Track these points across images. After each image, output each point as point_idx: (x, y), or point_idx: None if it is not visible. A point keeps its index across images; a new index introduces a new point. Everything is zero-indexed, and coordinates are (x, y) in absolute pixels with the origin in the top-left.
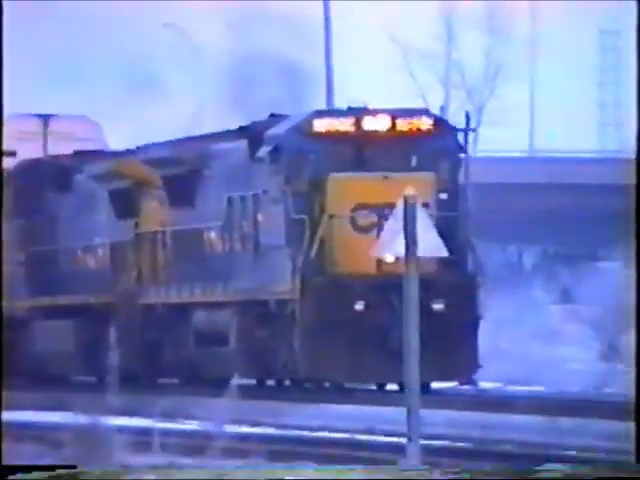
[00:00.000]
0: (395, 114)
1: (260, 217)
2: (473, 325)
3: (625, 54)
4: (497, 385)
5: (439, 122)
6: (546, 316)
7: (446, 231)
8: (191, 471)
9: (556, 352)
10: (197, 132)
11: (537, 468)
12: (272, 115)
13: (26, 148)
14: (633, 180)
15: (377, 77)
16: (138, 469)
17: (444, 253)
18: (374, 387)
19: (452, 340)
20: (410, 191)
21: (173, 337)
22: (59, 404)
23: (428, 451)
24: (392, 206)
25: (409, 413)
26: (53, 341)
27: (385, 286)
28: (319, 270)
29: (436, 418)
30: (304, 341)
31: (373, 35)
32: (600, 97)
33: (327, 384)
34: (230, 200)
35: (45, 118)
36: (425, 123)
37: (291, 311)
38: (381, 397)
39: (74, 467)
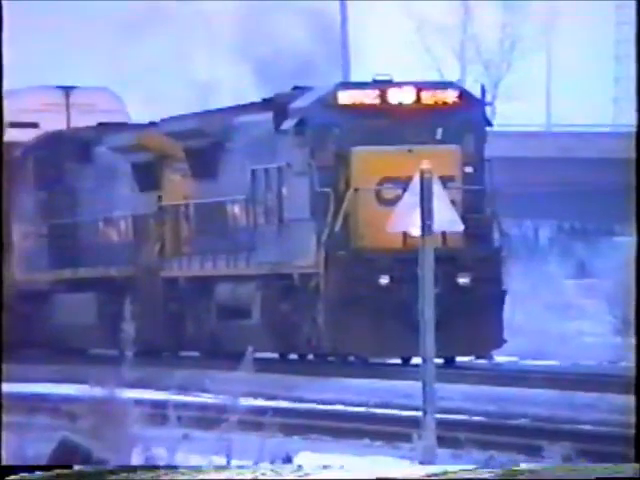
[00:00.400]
0: (421, 86)
1: (284, 190)
2: (499, 299)
3: None
4: (512, 359)
5: (465, 95)
6: (561, 290)
7: (472, 205)
8: (194, 471)
9: (571, 326)
10: (213, 97)
11: (537, 467)
12: (296, 87)
13: (48, 120)
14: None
15: (392, 51)
16: (141, 469)
17: (460, 227)
18: (398, 361)
19: (478, 314)
20: (434, 164)
21: (195, 310)
22: (77, 376)
23: (444, 424)
24: None
25: (424, 386)
26: (74, 313)
27: (410, 260)
28: (344, 244)
29: (451, 392)
30: (328, 315)
31: (389, 9)
32: (616, 71)
33: (351, 358)
34: (254, 173)
35: (67, 90)
36: (451, 96)
37: (315, 285)
38: (406, 371)
39: (71, 467)
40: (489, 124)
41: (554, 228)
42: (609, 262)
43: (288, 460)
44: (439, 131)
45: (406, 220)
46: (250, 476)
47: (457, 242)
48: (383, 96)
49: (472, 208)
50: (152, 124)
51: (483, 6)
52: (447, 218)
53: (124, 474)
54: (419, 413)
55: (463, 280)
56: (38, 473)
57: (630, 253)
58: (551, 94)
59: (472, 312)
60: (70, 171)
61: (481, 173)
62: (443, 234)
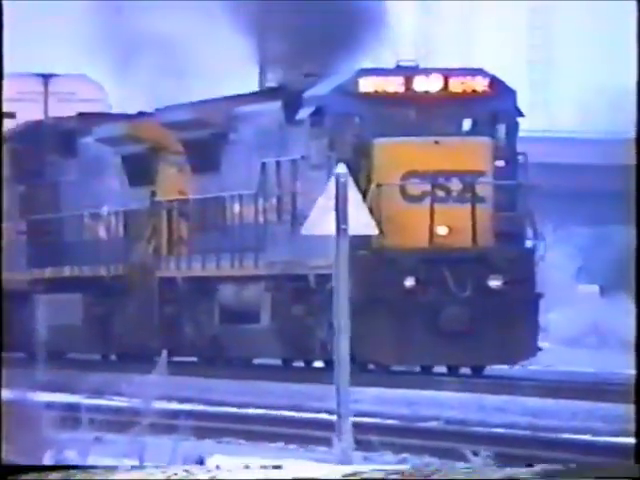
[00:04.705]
0: (448, 73)
1: (299, 185)
2: (533, 304)
3: (555, 32)
4: None
5: (495, 82)
6: None
7: (504, 201)
8: (107, 471)
9: None
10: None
11: (533, 469)
12: (307, 75)
13: (25, 109)
14: (561, 158)
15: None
16: (141, 469)
17: (374, 231)
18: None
19: (511, 320)
20: (463, 157)
21: (194, 313)
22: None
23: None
24: (445, 173)
25: (338, 390)
26: (56, 316)
27: (437, 260)
28: (365, 243)
29: (365, 395)
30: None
31: None
32: (530, 75)
33: (371, 366)
34: (264, 166)
35: (45, 78)
36: (480, 83)
37: (332, 287)
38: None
39: (75, 467)
40: (521, 114)
41: None
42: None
43: (201, 462)
44: (468, 121)
45: (321, 223)
46: (162, 476)
47: (488, 242)
48: (408, 83)
49: (504, 205)
50: (143, 114)
51: (400, 11)
52: (362, 222)
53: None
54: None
55: (495, 283)
56: (38, 473)
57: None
58: None
59: (504, 318)
60: (51, 163)
61: (514, 167)
62: (473, 233)
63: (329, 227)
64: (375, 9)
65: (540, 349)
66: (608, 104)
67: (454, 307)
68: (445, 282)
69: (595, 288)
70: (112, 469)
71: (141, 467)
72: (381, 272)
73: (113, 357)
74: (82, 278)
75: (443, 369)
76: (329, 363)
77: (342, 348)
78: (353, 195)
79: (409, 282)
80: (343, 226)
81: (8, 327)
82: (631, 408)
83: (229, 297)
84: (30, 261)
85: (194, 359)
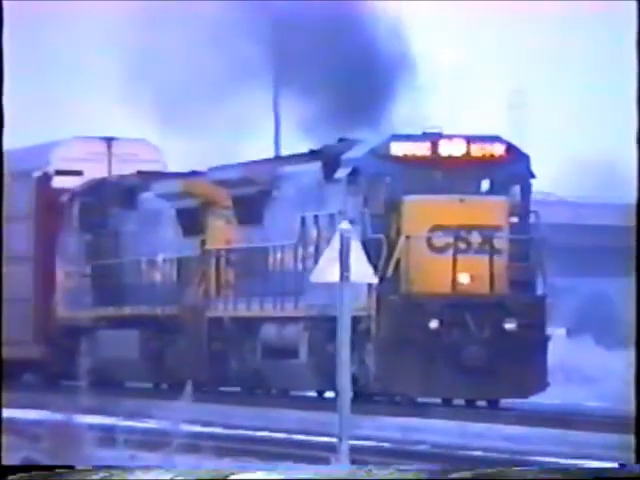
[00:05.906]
0: (470, 139)
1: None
2: (543, 344)
3: (532, 111)
4: None
5: (511, 148)
6: None
7: (518, 253)
8: (195, 471)
9: None
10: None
11: (535, 469)
12: (341, 139)
13: (91, 168)
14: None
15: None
16: (141, 468)
17: (374, 280)
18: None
19: (523, 358)
20: (483, 214)
21: (239, 348)
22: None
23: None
24: (468, 228)
25: (340, 415)
26: (116, 349)
27: (459, 305)
28: (395, 289)
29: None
30: (378, 356)
31: None
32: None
33: (398, 398)
34: (304, 220)
35: (108, 140)
36: (498, 149)
37: (365, 327)
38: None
39: (74, 467)
40: (533, 176)
41: None
42: None
43: None
44: (487, 182)
45: (327, 272)
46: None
47: (504, 289)
48: (434, 148)
49: (518, 256)
50: (196, 173)
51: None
52: (363, 271)
53: (137, 473)
54: None
55: (510, 325)
56: (38, 473)
57: None
58: None
59: (518, 356)
60: (114, 215)
61: (527, 223)
62: (491, 281)
63: (334, 275)
64: (375, 85)
65: (548, 384)
66: (578, 172)
67: (473, 346)
68: (466, 324)
69: (562, 331)
70: (112, 469)
71: (145, 467)
72: (409, 315)
73: (164, 386)
74: (140, 316)
75: (462, 401)
76: (357, 394)
77: (343, 379)
78: (355, 247)
79: (434, 324)
80: (346, 274)
81: (74, 359)
82: (595, 436)
83: (271, 335)
84: (94, 301)
85: (238, 389)
